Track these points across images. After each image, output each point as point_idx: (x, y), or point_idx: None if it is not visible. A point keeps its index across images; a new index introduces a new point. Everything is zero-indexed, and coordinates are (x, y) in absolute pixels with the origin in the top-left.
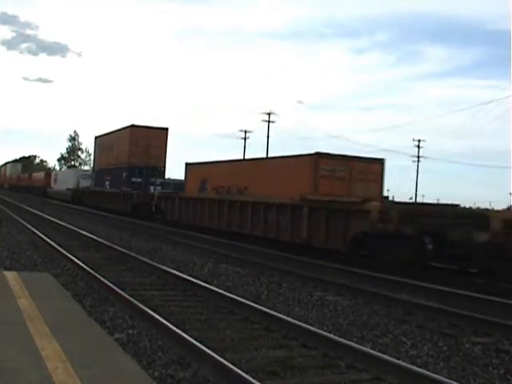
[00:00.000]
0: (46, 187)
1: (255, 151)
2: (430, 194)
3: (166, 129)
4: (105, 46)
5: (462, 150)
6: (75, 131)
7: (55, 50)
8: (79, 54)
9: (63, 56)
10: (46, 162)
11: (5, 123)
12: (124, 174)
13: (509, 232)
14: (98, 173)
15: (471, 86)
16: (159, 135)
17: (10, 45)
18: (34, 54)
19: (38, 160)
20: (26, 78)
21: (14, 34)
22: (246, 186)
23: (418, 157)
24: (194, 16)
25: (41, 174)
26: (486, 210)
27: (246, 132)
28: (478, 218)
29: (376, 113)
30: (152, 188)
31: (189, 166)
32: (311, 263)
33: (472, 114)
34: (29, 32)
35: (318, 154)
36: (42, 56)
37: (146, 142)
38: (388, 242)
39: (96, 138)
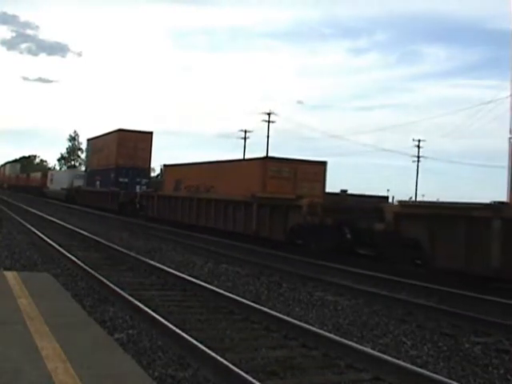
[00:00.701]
0: (42, 187)
1: (255, 151)
2: (430, 194)
3: (151, 132)
4: (105, 46)
5: (462, 150)
6: (75, 131)
7: (55, 49)
8: (79, 54)
9: (63, 56)
10: (46, 161)
11: (5, 123)
12: (112, 175)
13: (398, 222)
14: (90, 173)
15: (471, 85)
16: (144, 138)
17: (10, 45)
18: (34, 54)
19: (38, 160)
20: (25, 78)
21: (14, 34)
22: (212, 185)
23: (418, 157)
24: (194, 16)
25: (38, 175)
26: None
27: (246, 132)
28: (378, 210)
29: (376, 113)
30: (138, 187)
31: (166, 168)
32: (311, 263)
33: (472, 113)
34: (29, 32)
35: (266, 157)
36: (42, 56)
37: (133, 145)
38: (316, 232)
39: (88, 140)
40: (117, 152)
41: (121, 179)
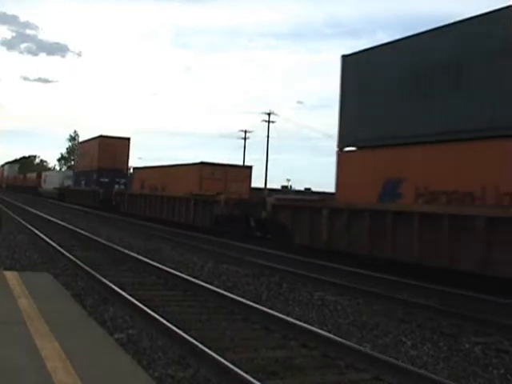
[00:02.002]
0: (37, 187)
1: (256, 151)
2: None
3: (128, 138)
4: (105, 46)
5: None
6: (75, 131)
7: (55, 50)
8: (79, 54)
9: (63, 56)
10: (46, 162)
11: (5, 123)
12: (94, 175)
13: (275, 211)
14: (77, 174)
15: None
16: (123, 144)
17: (10, 45)
18: (34, 54)
19: (38, 160)
20: (25, 78)
21: (14, 34)
22: (166, 185)
23: None
24: (194, 16)
25: (33, 175)
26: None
27: (246, 132)
28: (264, 203)
29: None
30: (116, 186)
31: (134, 170)
32: (311, 263)
33: None
34: (28, 32)
35: (201, 163)
36: (42, 56)
37: (112, 149)
38: (230, 221)
39: (77, 144)
40: (98, 155)
41: (102, 179)
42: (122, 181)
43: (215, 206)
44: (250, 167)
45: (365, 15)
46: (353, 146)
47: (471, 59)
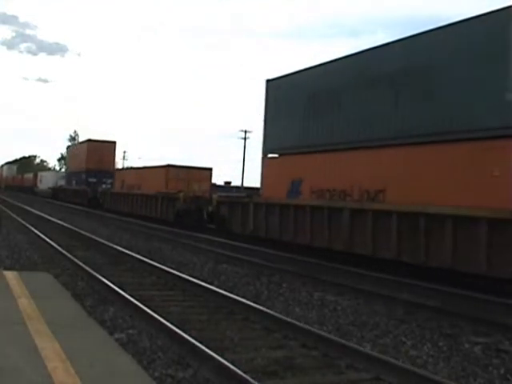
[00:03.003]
0: (33, 186)
1: (256, 151)
2: None
3: (114, 142)
4: (105, 46)
5: None
6: (75, 131)
7: (55, 49)
8: (79, 54)
9: (63, 56)
10: (46, 162)
11: (5, 123)
12: (83, 176)
13: (218, 205)
14: (69, 175)
15: None
16: (109, 147)
17: (10, 45)
18: (34, 53)
19: (38, 160)
20: (25, 78)
21: (14, 34)
22: (140, 184)
23: None
24: (195, 16)
25: (30, 175)
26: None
27: (246, 132)
28: (211, 199)
29: None
30: (104, 186)
31: (116, 171)
32: (311, 263)
33: None
34: (28, 32)
35: (167, 165)
36: (42, 56)
37: (100, 152)
38: (187, 214)
39: (67, 147)
40: (86, 158)
41: (90, 179)
42: (109, 181)
43: (176, 202)
44: (210, 169)
45: (365, 15)
46: (273, 153)
47: (346, 89)
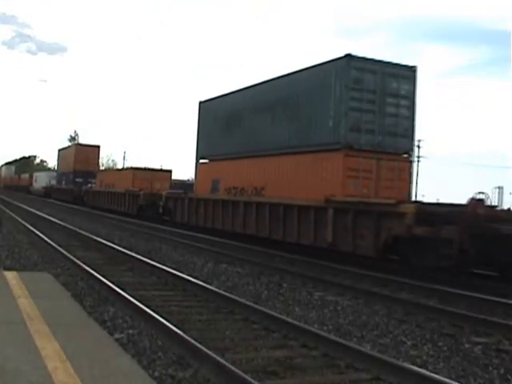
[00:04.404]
0: (29, 186)
1: None
2: (430, 194)
3: (99, 146)
4: (104, 46)
5: (462, 150)
6: (75, 131)
7: (55, 49)
8: (79, 54)
9: (62, 56)
10: (45, 162)
11: (5, 123)
12: (71, 176)
13: (166, 200)
14: (59, 175)
15: (471, 85)
16: (94, 150)
17: (10, 45)
18: (34, 53)
19: (38, 160)
20: (25, 78)
21: (14, 34)
22: (114, 183)
23: (418, 157)
24: (194, 14)
25: (26, 176)
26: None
27: None
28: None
29: None
30: (89, 185)
31: (98, 172)
32: (311, 263)
33: (472, 113)
34: (28, 32)
35: (133, 168)
36: (42, 56)
37: (86, 155)
38: (148, 208)
39: (59, 150)
40: (74, 160)
41: (77, 180)
42: (93, 180)
43: (138, 198)
44: (170, 171)
45: (365, 15)
46: (203, 159)
47: (245, 111)
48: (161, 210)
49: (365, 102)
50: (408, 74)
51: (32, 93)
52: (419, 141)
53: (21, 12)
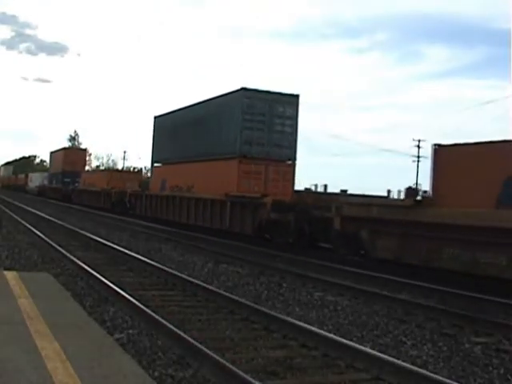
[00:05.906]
0: (25, 185)
1: None
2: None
3: (85, 149)
4: (105, 46)
5: None
6: (75, 131)
7: (55, 49)
8: (78, 54)
9: (62, 56)
10: (45, 162)
11: (4, 123)
12: (60, 176)
13: (130, 197)
14: (51, 175)
15: (471, 86)
16: (81, 153)
17: (9, 45)
18: (33, 53)
19: (38, 160)
20: (25, 78)
21: (14, 34)
22: (94, 183)
23: (418, 157)
24: (194, 14)
25: (23, 176)
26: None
27: None
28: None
29: (376, 113)
30: (76, 184)
31: (82, 173)
32: (311, 263)
33: (472, 113)
34: (28, 32)
35: (109, 170)
36: (41, 56)
37: (74, 157)
38: (118, 204)
39: (50, 153)
40: (63, 162)
41: (65, 179)
42: (79, 180)
43: (111, 195)
44: (140, 171)
45: (365, 15)
46: (157, 163)
47: (180, 126)
48: (128, 205)
49: (256, 123)
50: (292, 100)
51: (32, 93)
52: (419, 141)
53: (21, 12)
